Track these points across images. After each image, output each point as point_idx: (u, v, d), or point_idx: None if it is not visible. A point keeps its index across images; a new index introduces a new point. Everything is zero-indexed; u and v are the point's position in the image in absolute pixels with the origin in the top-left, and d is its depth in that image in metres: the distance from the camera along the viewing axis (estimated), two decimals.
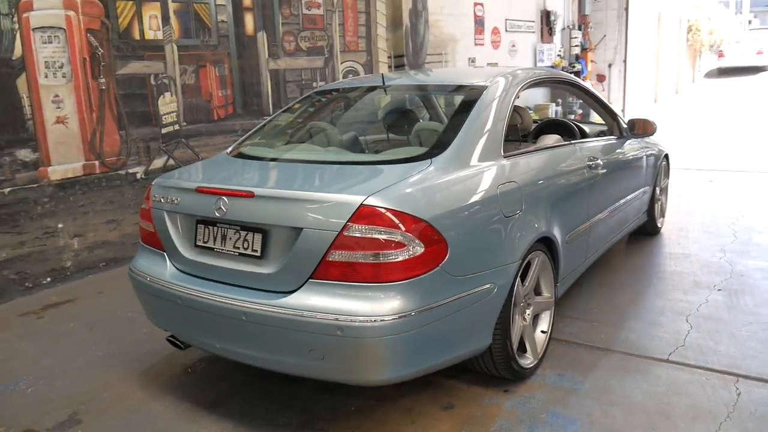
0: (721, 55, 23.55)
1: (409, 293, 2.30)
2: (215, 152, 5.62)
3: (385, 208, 2.30)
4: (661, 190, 5.26)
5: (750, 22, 34.17)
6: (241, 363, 2.72)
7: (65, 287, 4.58)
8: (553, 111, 11.14)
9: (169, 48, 5.30)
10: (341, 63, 7.12)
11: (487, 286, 2.58)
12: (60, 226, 4.64)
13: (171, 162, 5.36)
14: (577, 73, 11.88)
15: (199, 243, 2.69)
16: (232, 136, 5.83)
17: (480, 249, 2.60)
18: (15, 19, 4.31)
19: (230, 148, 3.35)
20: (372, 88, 3.76)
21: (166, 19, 5.26)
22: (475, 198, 2.63)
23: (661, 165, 5.13)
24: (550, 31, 11.70)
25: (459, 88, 3.39)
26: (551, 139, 3.55)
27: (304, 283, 2.38)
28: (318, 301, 2.32)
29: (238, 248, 2.55)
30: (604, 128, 4.51)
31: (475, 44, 9.56)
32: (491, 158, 2.84)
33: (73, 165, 4.70)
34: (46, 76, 4.50)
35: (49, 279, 4.58)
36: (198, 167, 3.23)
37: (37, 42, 4.44)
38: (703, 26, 21.33)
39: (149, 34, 5.15)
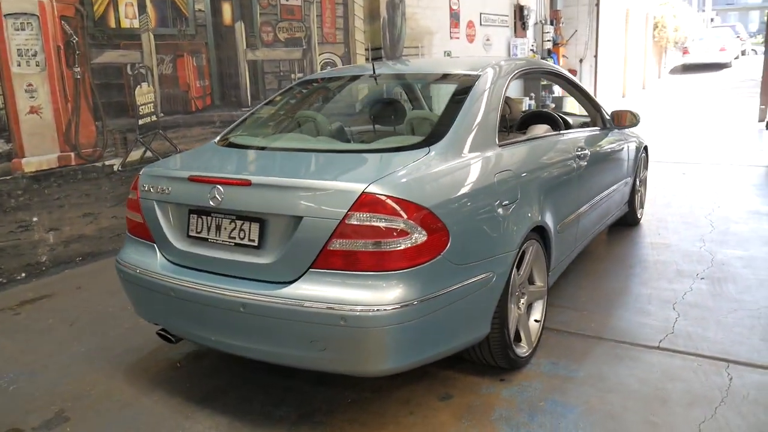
0: (685, 51, 24.02)
1: (411, 282, 2.27)
2: (193, 144, 5.51)
3: (387, 196, 2.26)
4: (640, 182, 5.33)
5: (712, 20, 34.96)
6: (232, 357, 2.66)
7: (41, 283, 4.43)
8: (527, 104, 11.21)
9: (145, 37, 5.17)
10: (319, 55, 7.04)
11: (487, 274, 2.57)
12: (35, 219, 4.49)
13: (148, 154, 5.23)
14: None
15: (192, 233, 2.61)
16: (210, 128, 5.72)
17: (480, 237, 2.58)
18: None
19: (218, 138, 3.27)
20: (363, 77, 3.71)
21: (142, 7, 5.12)
22: (475, 186, 2.61)
23: (641, 156, 5.19)
24: (524, 26, 11.77)
25: (452, 77, 3.37)
26: (541, 128, 3.56)
27: (305, 273, 2.33)
28: (319, 290, 2.28)
29: (234, 238, 2.49)
30: (585, 119, 4.55)
31: (451, 37, 9.56)
32: (488, 147, 2.83)
33: (48, 157, 4.55)
34: (19, 65, 4.34)
35: (23, 274, 4.43)
36: (187, 156, 3.14)
37: (9, 29, 4.27)
38: (668, 23, 21.74)
39: (125, 23, 5.01)
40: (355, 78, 3.84)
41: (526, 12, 11.69)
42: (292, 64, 6.70)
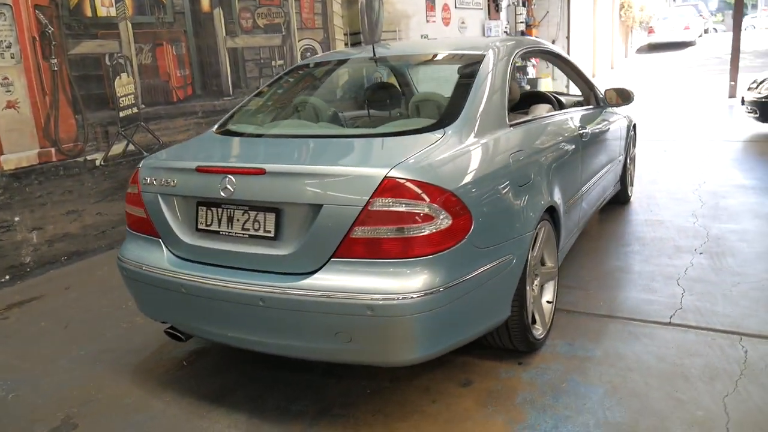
0: (651, 31, 24.28)
1: (437, 268, 2.21)
2: (176, 135, 5.35)
3: (410, 180, 2.19)
4: (630, 159, 5.34)
5: None
6: (236, 353, 2.55)
7: (26, 285, 4.25)
8: None
9: (123, 25, 4.97)
10: (299, 41, 6.89)
11: (508, 256, 2.52)
12: (16, 219, 4.30)
13: (131, 147, 5.05)
14: None
15: (201, 227, 2.50)
16: (193, 119, 5.56)
17: (500, 219, 2.53)
18: None
19: (215, 126, 3.15)
20: (362, 60, 3.61)
21: None
22: (493, 167, 2.55)
23: (630, 134, 5.20)
24: (497, 8, 11.74)
25: (456, 57, 3.29)
26: (544, 108, 3.51)
27: (326, 263, 2.24)
28: (343, 280, 2.20)
29: (248, 230, 2.39)
30: (576, 99, 4.52)
31: (427, 21, 9.48)
32: (500, 127, 2.77)
33: (27, 153, 4.35)
34: None
35: (7, 277, 4.25)
36: (188, 146, 3.01)
37: None
38: (634, 3, 21.94)
39: (102, 11, 4.81)
40: (354, 61, 3.73)
41: None
42: (272, 51, 6.55)
